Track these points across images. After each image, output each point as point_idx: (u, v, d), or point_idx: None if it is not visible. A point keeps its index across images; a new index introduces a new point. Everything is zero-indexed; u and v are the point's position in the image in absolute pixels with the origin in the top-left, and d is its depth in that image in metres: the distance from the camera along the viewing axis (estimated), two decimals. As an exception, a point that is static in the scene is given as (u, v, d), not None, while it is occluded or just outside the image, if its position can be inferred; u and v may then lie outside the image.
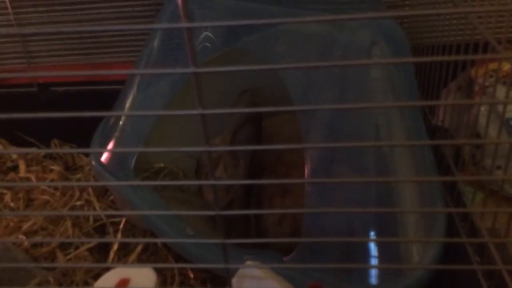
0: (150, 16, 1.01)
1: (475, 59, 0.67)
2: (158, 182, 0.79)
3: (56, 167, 0.97)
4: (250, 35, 0.66)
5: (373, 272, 0.57)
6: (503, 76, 0.70)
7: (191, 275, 0.69)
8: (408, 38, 0.63)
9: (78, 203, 0.85)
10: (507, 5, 0.58)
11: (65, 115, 0.33)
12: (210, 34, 0.70)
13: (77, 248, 0.76)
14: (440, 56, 0.73)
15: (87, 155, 0.95)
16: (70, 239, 0.76)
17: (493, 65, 0.71)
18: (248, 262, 0.45)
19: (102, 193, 0.88)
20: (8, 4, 1.01)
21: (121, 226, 0.77)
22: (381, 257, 0.57)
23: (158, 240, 0.71)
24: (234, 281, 0.46)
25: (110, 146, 0.76)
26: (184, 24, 0.25)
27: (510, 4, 0.57)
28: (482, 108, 0.66)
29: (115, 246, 0.73)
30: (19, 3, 1.02)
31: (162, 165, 0.88)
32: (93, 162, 0.77)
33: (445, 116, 0.74)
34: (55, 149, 1.00)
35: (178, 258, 0.71)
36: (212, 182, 0.33)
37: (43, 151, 0.98)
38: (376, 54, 0.58)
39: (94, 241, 0.75)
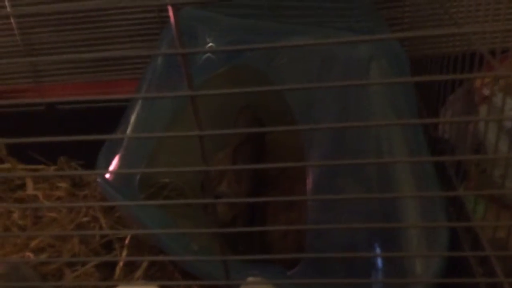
0: (156, 34, 1.02)
1: (470, 77, 0.68)
2: (160, 202, 0.79)
3: (63, 184, 0.98)
4: (253, 50, 0.67)
5: (377, 284, 0.57)
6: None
7: (197, 290, 0.69)
8: (406, 50, 0.63)
9: (85, 219, 0.86)
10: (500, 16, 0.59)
11: (70, 138, 0.34)
12: (214, 46, 0.71)
13: (84, 264, 0.76)
14: (438, 66, 0.74)
15: (94, 170, 0.96)
16: (76, 258, 0.77)
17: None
18: (250, 278, 0.46)
19: (109, 209, 0.89)
20: (14, 25, 1.03)
21: (127, 242, 0.78)
22: (385, 268, 0.57)
23: (161, 259, 0.72)
24: (237, 296, 0.46)
25: (116, 162, 0.77)
26: (179, 51, 0.26)
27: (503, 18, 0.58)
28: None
29: (121, 263, 0.74)
30: (25, 23, 1.04)
31: (167, 180, 0.89)
32: (98, 179, 0.78)
33: (446, 127, 0.75)
34: (61, 172, 1.01)
35: (185, 273, 0.71)
36: (211, 200, 0.34)
37: (50, 173, 0.99)
38: (375, 69, 0.58)
39: (100, 259, 0.76)
